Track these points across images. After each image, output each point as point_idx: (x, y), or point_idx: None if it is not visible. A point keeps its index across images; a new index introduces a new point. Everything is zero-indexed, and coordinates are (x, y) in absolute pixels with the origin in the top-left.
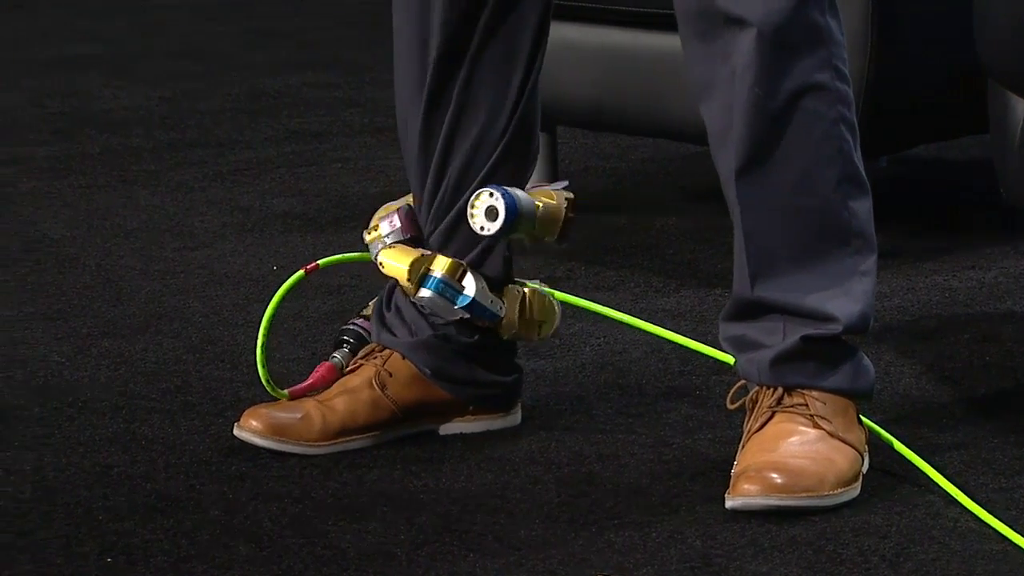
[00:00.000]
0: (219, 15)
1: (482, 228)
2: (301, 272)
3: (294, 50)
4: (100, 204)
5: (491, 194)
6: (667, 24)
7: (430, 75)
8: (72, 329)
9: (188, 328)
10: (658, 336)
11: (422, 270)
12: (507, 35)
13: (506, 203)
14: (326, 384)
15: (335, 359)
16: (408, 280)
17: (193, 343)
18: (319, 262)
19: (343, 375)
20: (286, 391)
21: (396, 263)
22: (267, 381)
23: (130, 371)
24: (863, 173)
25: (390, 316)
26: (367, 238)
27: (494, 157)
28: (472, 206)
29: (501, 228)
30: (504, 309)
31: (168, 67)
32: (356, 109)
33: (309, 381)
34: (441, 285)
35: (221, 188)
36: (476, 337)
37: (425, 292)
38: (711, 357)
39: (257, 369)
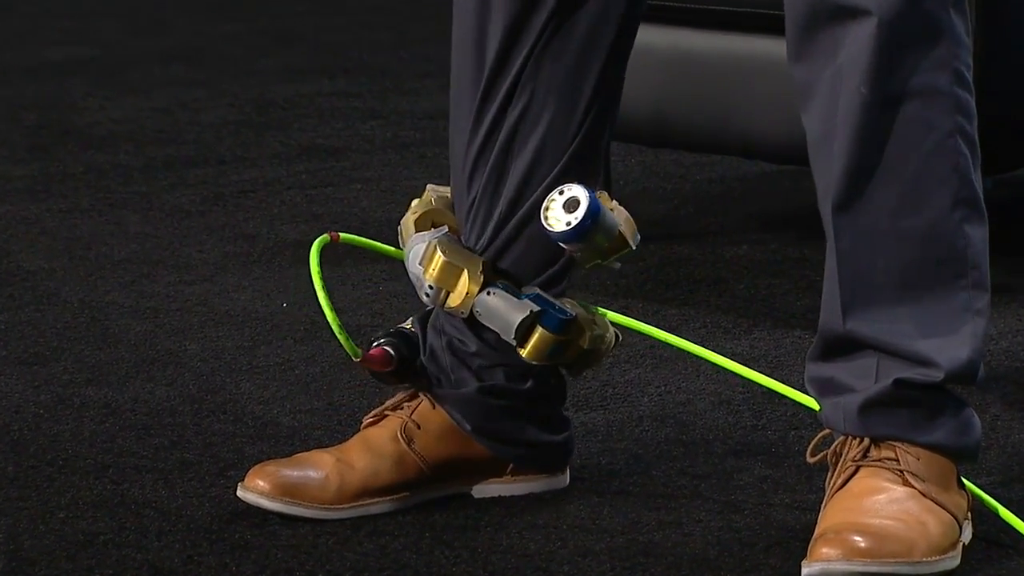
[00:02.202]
0: (222, 14)
1: (564, 222)
2: (326, 236)
3: (308, 54)
4: (84, 231)
5: (569, 188)
6: (744, 25)
7: (488, 73)
8: (51, 375)
9: (184, 374)
10: (728, 371)
11: (485, 275)
12: (578, 34)
13: (589, 195)
14: (383, 367)
15: (383, 341)
16: (472, 279)
17: (190, 392)
18: (341, 235)
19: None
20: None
21: (459, 259)
22: (339, 329)
23: (118, 424)
24: (981, 197)
25: (424, 360)
26: (405, 232)
27: (556, 169)
28: (551, 199)
29: (584, 217)
30: (573, 310)
31: (163, 73)
32: (379, 121)
33: (374, 351)
34: (503, 285)
35: (223, 213)
36: (530, 383)
37: (490, 290)
38: (793, 401)
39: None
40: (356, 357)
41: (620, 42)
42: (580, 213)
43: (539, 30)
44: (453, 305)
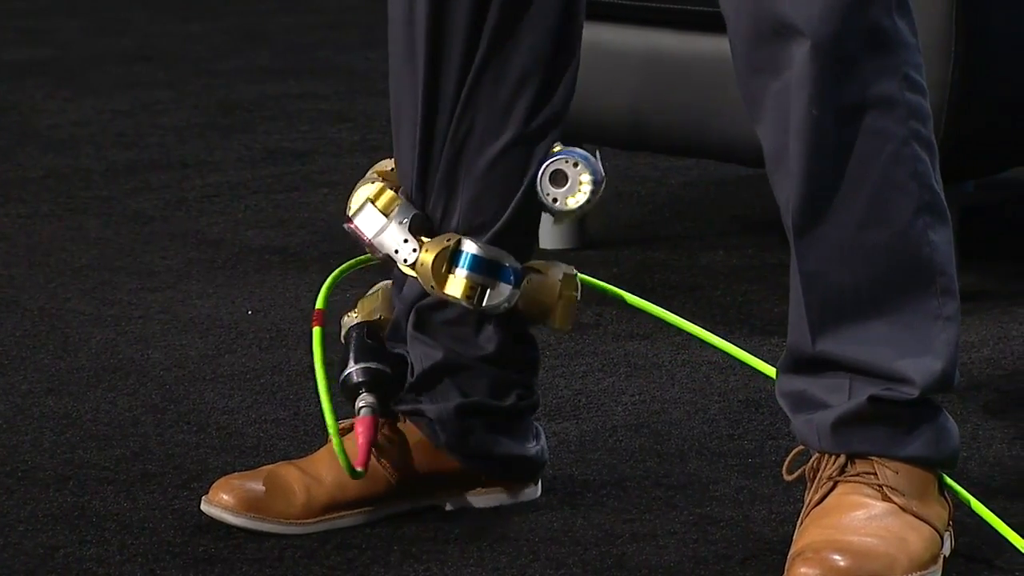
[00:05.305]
0: (185, 13)
1: (574, 193)
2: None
3: (274, 55)
4: (43, 237)
5: (549, 164)
6: (722, 26)
7: (422, 90)
8: (10, 385)
9: (147, 384)
10: (718, 349)
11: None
12: (519, 41)
13: (573, 155)
14: (372, 436)
15: (364, 408)
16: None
17: (153, 401)
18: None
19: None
20: (360, 470)
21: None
22: (340, 451)
23: (79, 434)
24: (943, 200)
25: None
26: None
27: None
28: (546, 193)
29: (594, 178)
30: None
31: (124, 74)
32: (347, 124)
33: (360, 440)
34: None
35: (186, 218)
36: (512, 399)
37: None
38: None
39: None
40: (359, 477)
41: (561, 55)
42: (585, 180)
43: (464, 67)
44: (435, 247)
